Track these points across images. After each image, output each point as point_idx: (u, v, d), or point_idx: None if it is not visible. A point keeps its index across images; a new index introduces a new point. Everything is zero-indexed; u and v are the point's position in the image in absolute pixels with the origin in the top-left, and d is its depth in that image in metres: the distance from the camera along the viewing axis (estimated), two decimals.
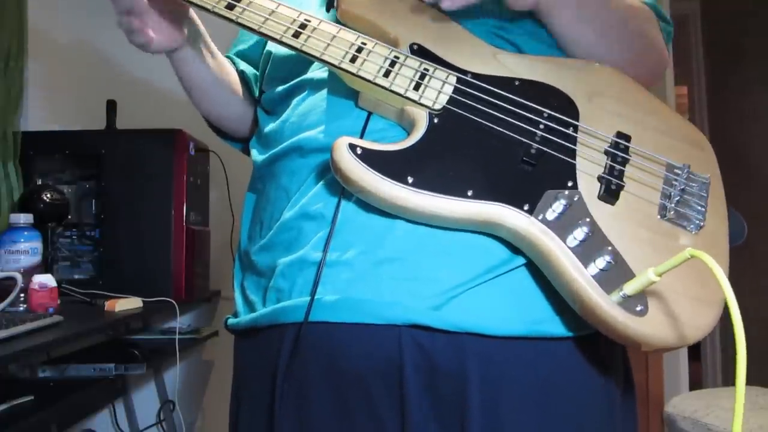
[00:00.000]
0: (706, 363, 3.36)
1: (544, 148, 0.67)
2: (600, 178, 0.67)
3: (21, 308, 1.24)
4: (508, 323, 0.64)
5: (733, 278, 0.55)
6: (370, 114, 0.71)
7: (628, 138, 0.70)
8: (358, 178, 0.64)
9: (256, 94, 0.92)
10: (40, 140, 1.70)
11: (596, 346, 0.67)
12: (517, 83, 0.71)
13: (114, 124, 1.77)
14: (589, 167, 0.67)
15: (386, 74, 0.69)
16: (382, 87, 0.68)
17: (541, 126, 0.68)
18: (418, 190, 0.64)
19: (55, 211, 1.52)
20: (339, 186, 0.67)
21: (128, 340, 1.71)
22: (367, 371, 0.66)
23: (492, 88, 0.69)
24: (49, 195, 1.50)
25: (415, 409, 0.64)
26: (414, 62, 0.70)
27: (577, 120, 0.70)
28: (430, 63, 0.70)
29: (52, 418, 1.21)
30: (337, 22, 0.73)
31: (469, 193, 0.64)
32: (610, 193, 0.66)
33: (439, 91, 0.69)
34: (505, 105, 0.69)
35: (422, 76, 0.69)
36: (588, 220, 0.64)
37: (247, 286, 0.78)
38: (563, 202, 0.64)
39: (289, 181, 0.74)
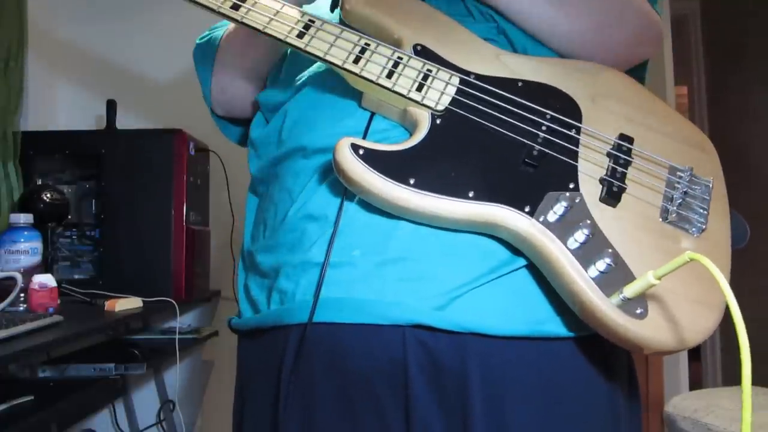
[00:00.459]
0: (706, 363, 3.36)
1: (546, 150, 0.67)
2: (602, 180, 0.67)
3: (21, 308, 1.24)
4: (510, 323, 0.64)
5: (732, 278, 0.55)
6: (373, 114, 0.71)
7: (630, 140, 0.70)
8: (360, 178, 0.64)
9: None
10: (40, 140, 1.70)
11: (599, 346, 0.67)
12: (520, 84, 0.71)
13: (114, 124, 1.77)
14: (591, 169, 0.67)
15: (389, 75, 0.69)
16: (385, 88, 0.68)
17: (544, 127, 0.68)
18: (420, 191, 0.64)
19: (55, 211, 1.52)
20: (342, 187, 0.67)
21: (128, 340, 1.71)
22: (372, 371, 0.66)
23: (495, 89, 0.69)
24: (49, 195, 1.50)
25: (420, 408, 0.64)
26: (417, 63, 0.70)
27: (580, 122, 0.70)
28: (433, 64, 0.71)
29: (52, 418, 1.21)
30: (342, 22, 0.74)
31: (471, 194, 0.64)
32: (612, 195, 0.66)
33: (441, 92, 0.69)
34: (507, 106, 0.69)
35: (425, 77, 0.69)
36: (589, 222, 0.64)
37: (251, 286, 0.78)
38: (564, 204, 0.64)
39: (293, 183, 0.74)
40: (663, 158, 0.70)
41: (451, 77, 0.70)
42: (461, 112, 0.68)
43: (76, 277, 1.64)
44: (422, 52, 0.71)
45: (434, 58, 0.71)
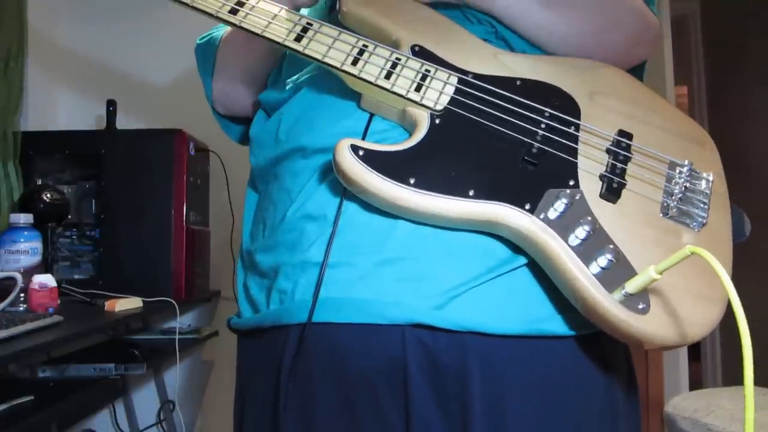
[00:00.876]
0: (706, 363, 3.36)
1: (546, 147, 0.67)
2: (602, 177, 0.67)
3: (21, 308, 1.24)
4: (509, 322, 0.65)
5: (733, 278, 0.55)
6: (372, 115, 0.72)
7: (630, 136, 0.70)
8: (360, 179, 0.64)
9: None
10: (40, 140, 1.70)
11: (598, 345, 0.68)
12: (518, 83, 0.71)
13: (114, 124, 1.77)
14: (590, 166, 0.68)
15: (387, 76, 0.69)
16: (384, 89, 0.69)
17: (543, 125, 0.68)
18: (420, 190, 0.64)
19: (55, 211, 1.52)
20: (341, 187, 0.67)
21: (128, 340, 1.71)
22: (371, 371, 0.66)
23: (493, 88, 0.70)
24: (49, 195, 1.50)
25: (420, 407, 0.65)
26: (415, 64, 0.71)
27: (579, 119, 0.70)
28: (432, 64, 0.71)
29: (52, 418, 1.21)
30: (339, 24, 0.74)
31: (471, 193, 0.64)
32: (612, 191, 0.66)
33: (440, 92, 0.69)
34: (506, 105, 0.69)
35: (423, 78, 0.70)
36: (590, 218, 0.64)
37: (250, 285, 0.78)
38: (564, 201, 0.64)
39: (292, 182, 0.74)
40: (662, 154, 0.70)
41: (449, 77, 0.70)
42: (460, 111, 0.68)
43: (76, 277, 1.64)
44: (420, 53, 0.72)
45: (432, 59, 0.71)
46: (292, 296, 0.70)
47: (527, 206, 0.64)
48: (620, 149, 0.69)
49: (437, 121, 0.68)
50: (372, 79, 0.69)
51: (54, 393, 1.24)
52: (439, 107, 0.68)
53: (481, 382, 0.64)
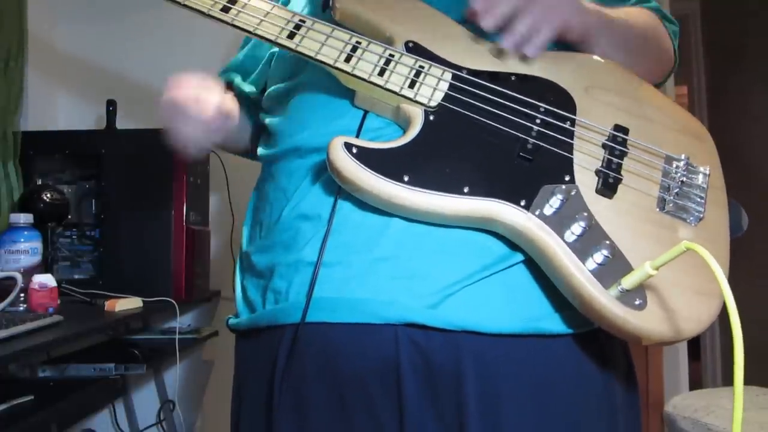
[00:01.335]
0: (706, 363, 3.36)
1: (541, 143, 0.67)
2: (598, 172, 0.67)
3: (21, 308, 1.24)
4: (504, 321, 0.64)
5: (732, 278, 0.55)
6: (366, 113, 0.71)
7: (626, 131, 0.70)
8: (354, 177, 0.64)
9: (252, 120, 0.94)
10: (40, 140, 1.69)
11: (596, 343, 0.67)
12: (513, 78, 0.71)
13: (114, 124, 1.77)
14: (586, 161, 0.67)
15: (381, 73, 0.69)
16: (377, 85, 0.68)
17: (538, 120, 0.68)
18: (414, 187, 0.64)
19: (55, 211, 1.52)
20: (335, 186, 0.67)
21: (128, 340, 1.71)
22: (365, 371, 0.66)
23: (488, 84, 0.69)
24: (49, 195, 1.50)
25: (413, 408, 0.64)
26: (409, 60, 0.70)
27: (575, 113, 0.70)
28: (426, 60, 0.70)
29: (52, 418, 1.21)
30: (332, 22, 0.74)
31: (466, 189, 0.64)
32: (608, 186, 0.66)
33: (434, 88, 0.69)
34: (501, 100, 0.69)
35: (417, 74, 0.69)
36: (585, 214, 0.64)
37: (247, 286, 0.78)
38: (560, 196, 0.64)
39: (288, 182, 0.74)
40: (658, 148, 0.70)
41: (443, 73, 0.70)
42: (454, 107, 0.68)
43: (76, 277, 1.64)
44: (414, 49, 0.71)
45: (426, 55, 0.71)
46: (287, 296, 0.70)
47: (522, 202, 0.64)
48: (616, 144, 0.68)
49: (431, 118, 0.68)
50: (365, 76, 0.69)
51: (54, 393, 1.23)
52: (433, 103, 0.68)
53: (475, 381, 0.64)
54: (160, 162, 1.61)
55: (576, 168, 0.67)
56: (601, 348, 0.68)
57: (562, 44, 0.74)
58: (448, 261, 0.65)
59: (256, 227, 0.80)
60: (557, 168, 0.67)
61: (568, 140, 0.68)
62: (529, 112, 0.69)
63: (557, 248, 0.62)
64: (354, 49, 0.70)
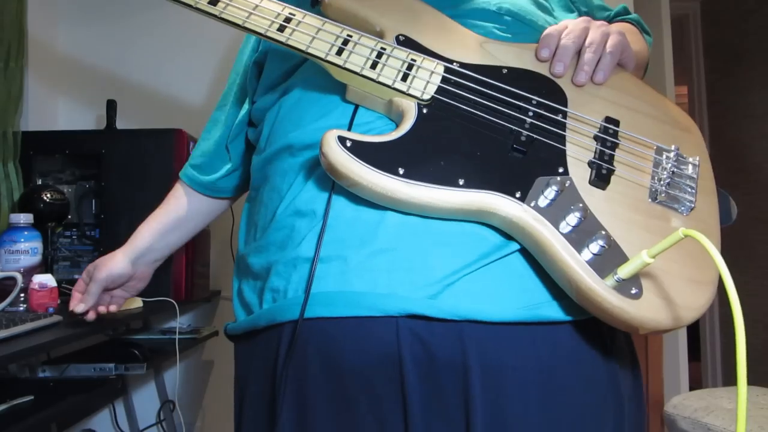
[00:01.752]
0: (706, 363, 3.36)
1: (534, 135, 0.67)
2: (590, 164, 0.67)
3: (21, 308, 1.24)
4: (505, 309, 0.64)
5: (733, 279, 0.55)
6: (357, 107, 0.71)
7: (616, 123, 0.70)
8: (349, 170, 0.63)
9: (220, 194, 1.00)
10: (40, 140, 1.69)
11: (597, 328, 0.67)
12: (504, 71, 0.71)
13: (114, 124, 1.77)
14: (579, 153, 0.68)
15: (373, 66, 0.69)
16: (370, 79, 0.68)
17: (531, 113, 0.68)
18: (409, 180, 0.63)
19: (55, 211, 1.52)
20: (329, 181, 0.67)
21: (128, 340, 1.71)
22: (366, 365, 0.65)
23: (480, 77, 0.69)
24: (49, 195, 1.50)
25: (415, 400, 0.64)
26: (401, 53, 0.70)
27: (566, 106, 0.70)
28: (418, 53, 0.70)
29: (52, 418, 1.21)
30: (322, 16, 0.73)
31: (461, 182, 0.64)
32: (601, 177, 0.66)
33: (427, 81, 0.69)
34: (493, 93, 0.69)
35: (410, 67, 0.69)
36: (581, 205, 0.64)
37: (244, 290, 0.78)
38: (555, 188, 0.64)
39: (281, 181, 0.74)
40: (649, 139, 0.70)
41: (436, 66, 0.70)
42: (447, 100, 0.68)
43: (76, 277, 1.63)
44: (405, 42, 0.71)
45: (417, 48, 0.71)
46: (285, 293, 0.69)
47: (518, 194, 0.64)
48: (608, 136, 0.69)
49: (425, 111, 0.68)
50: (357, 70, 0.68)
51: (54, 393, 1.23)
52: (426, 96, 0.68)
53: (479, 370, 0.63)
54: (160, 162, 1.62)
55: (569, 160, 0.67)
56: (603, 336, 0.68)
57: None
58: (445, 252, 0.65)
59: (251, 230, 0.80)
60: (551, 160, 0.67)
61: (561, 132, 0.68)
62: (521, 104, 0.69)
63: (553, 239, 0.62)
64: (345, 42, 0.70)
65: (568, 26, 0.73)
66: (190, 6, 0.72)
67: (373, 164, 0.63)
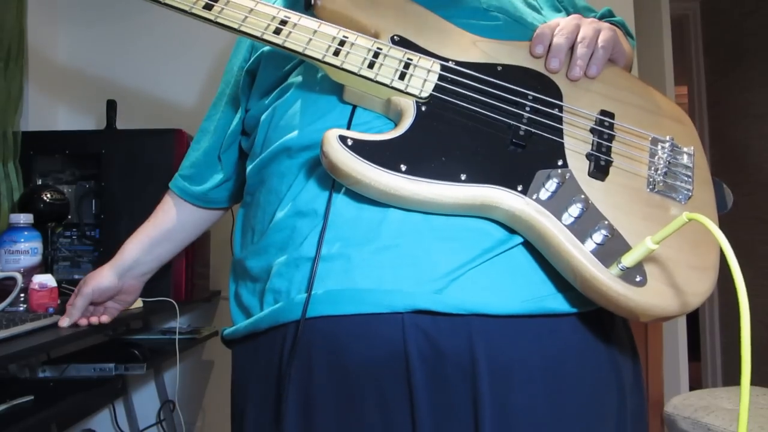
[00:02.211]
0: (706, 363, 3.36)
1: (533, 129, 0.68)
2: (589, 156, 0.68)
3: (21, 308, 1.24)
4: (510, 302, 0.64)
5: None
6: (354, 107, 0.71)
7: (611, 115, 0.71)
8: (351, 169, 0.63)
9: (213, 205, 1.00)
10: (40, 140, 1.70)
11: (600, 320, 0.68)
12: (499, 68, 0.72)
13: (114, 124, 1.77)
14: (577, 145, 0.69)
15: (370, 65, 0.69)
16: (368, 78, 0.68)
17: (527, 108, 0.69)
18: (412, 177, 0.64)
19: (55, 211, 1.52)
20: (329, 180, 0.67)
21: (128, 340, 1.71)
22: (372, 362, 0.65)
23: (476, 74, 0.70)
24: (49, 195, 1.50)
25: (422, 395, 0.64)
26: (397, 52, 0.71)
27: (561, 101, 0.71)
28: (414, 52, 0.71)
29: (52, 418, 1.21)
30: (316, 19, 0.73)
31: (463, 177, 0.64)
32: (600, 169, 0.67)
33: (424, 79, 0.69)
34: (490, 90, 0.70)
35: (407, 66, 0.70)
36: (582, 197, 0.65)
37: (242, 293, 0.78)
38: (556, 180, 0.65)
39: (279, 183, 0.74)
40: (644, 130, 0.71)
41: (432, 64, 0.70)
42: (446, 97, 0.69)
43: (76, 277, 1.64)
44: (400, 42, 0.72)
45: (413, 47, 0.72)
46: (288, 294, 0.69)
47: (519, 188, 0.65)
48: (604, 128, 0.70)
49: (423, 109, 0.68)
50: (355, 70, 0.69)
51: (54, 393, 1.23)
52: (424, 94, 0.68)
53: (487, 365, 0.64)
54: (160, 162, 1.62)
55: (568, 152, 0.68)
56: (605, 327, 0.69)
57: None
58: (449, 247, 0.65)
59: (247, 234, 0.80)
60: (550, 153, 0.68)
61: (558, 126, 0.69)
62: (518, 100, 0.70)
63: (556, 230, 0.63)
64: (342, 43, 0.70)
65: (560, 23, 0.74)
66: (184, 11, 0.72)
67: (375, 162, 0.64)
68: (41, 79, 1.95)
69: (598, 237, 0.62)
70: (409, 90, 0.68)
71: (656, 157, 0.69)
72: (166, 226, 1.00)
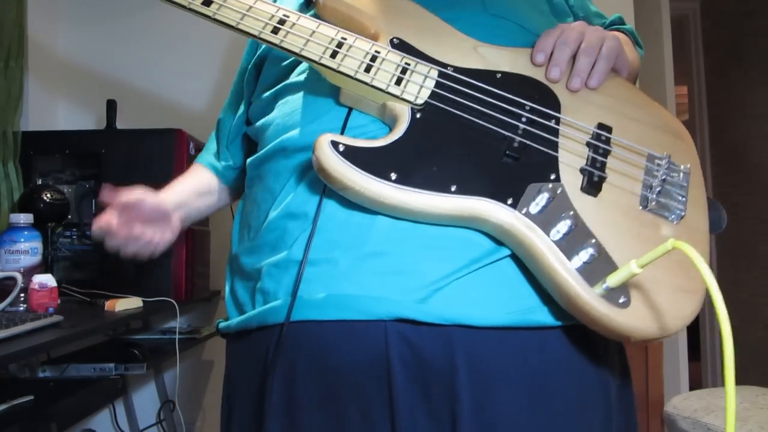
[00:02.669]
0: (706, 363, 3.36)
1: (527, 141, 0.67)
2: (582, 170, 0.67)
3: (21, 308, 1.24)
4: (495, 313, 0.64)
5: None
6: (350, 110, 0.71)
7: (609, 129, 0.70)
8: (341, 175, 0.63)
9: (229, 183, 0.98)
10: (40, 140, 1.69)
11: (588, 334, 0.67)
12: (498, 76, 0.71)
13: (114, 124, 1.77)
14: (571, 159, 0.68)
15: (367, 69, 0.68)
16: (363, 82, 0.68)
17: (524, 119, 0.68)
18: (402, 186, 0.63)
19: (55, 211, 1.52)
20: (321, 184, 0.67)
21: (128, 340, 1.71)
22: (355, 367, 0.66)
23: (474, 82, 0.69)
24: (49, 195, 1.50)
25: (404, 403, 0.64)
26: (395, 57, 0.70)
27: (559, 112, 0.70)
28: (412, 57, 0.70)
29: (52, 418, 1.21)
30: (317, 18, 0.73)
31: (453, 188, 0.64)
32: (593, 185, 0.66)
33: (420, 85, 0.69)
34: (487, 98, 0.69)
35: (404, 71, 0.69)
36: (571, 213, 0.64)
37: (237, 289, 0.78)
38: (546, 195, 0.64)
39: (274, 182, 0.74)
40: (641, 146, 0.70)
41: (429, 70, 0.70)
42: (441, 105, 0.68)
43: (76, 277, 1.64)
44: (399, 46, 0.71)
45: (412, 52, 0.71)
46: (275, 295, 0.70)
47: (509, 201, 0.64)
48: (600, 142, 0.69)
49: (418, 116, 0.67)
50: (351, 73, 0.68)
51: (54, 393, 1.23)
52: (419, 101, 0.68)
53: (467, 374, 0.64)
54: (160, 162, 1.62)
55: (561, 166, 0.67)
56: (594, 341, 0.68)
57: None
58: (436, 256, 0.65)
59: (244, 230, 0.80)
60: (543, 166, 0.67)
61: (554, 138, 0.68)
62: (514, 110, 0.69)
63: (543, 246, 0.62)
64: (339, 44, 0.69)
65: (563, 30, 0.73)
66: (183, 7, 0.72)
67: (365, 169, 0.63)
68: (41, 79, 1.95)
69: (584, 255, 0.62)
70: (405, 96, 0.68)
71: (651, 175, 0.68)
72: (203, 183, 0.97)
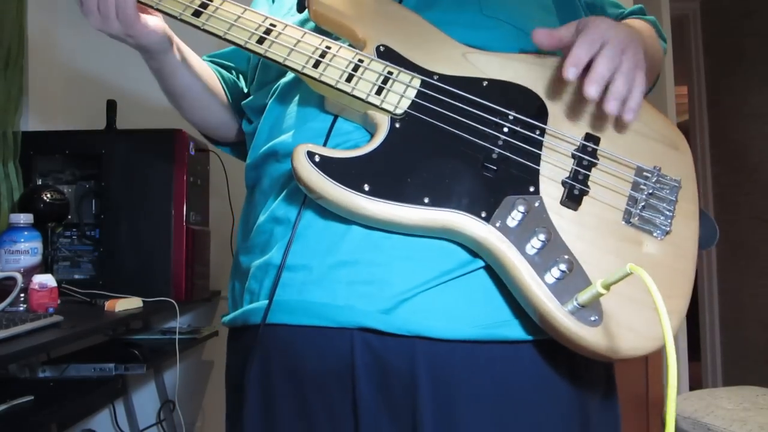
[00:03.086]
0: (706, 363, 3.36)
1: (507, 153, 0.66)
2: (564, 183, 0.66)
3: (21, 308, 1.24)
4: (460, 327, 0.64)
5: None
6: (336, 117, 0.71)
7: (596, 140, 0.68)
8: (315, 185, 0.64)
9: (231, 100, 0.94)
10: (40, 140, 1.69)
11: (564, 349, 0.65)
12: (485, 84, 0.70)
13: (114, 124, 1.77)
14: (553, 172, 0.66)
15: (349, 79, 0.68)
16: (344, 92, 0.68)
17: (506, 129, 0.67)
18: (374, 198, 0.63)
19: (55, 211, 1.52)
20: (303, 191, 0.67)
21: (128, 340, 1.71)
22: (323, 373, 0.67)
23: (457, 91, 0.68)
24: (49, 195, 1.50)
25: (367, 409, 0.65)
26: (378, 66, 0.69)
27: (546, 121, 0.68)
28: (395, 66, 0.70)
29: (52, 418, 1.21)
30: (307, 24, 0.74)
31: (426, 200, 0.64)
32: (573, 198, 0.65)
33: (401, 95, 0.68)
34: (469, 108, 0.68)
35: (385, 80, 0.69)
36: (545, 227, 0.63)
37: (236, 286, 0.80)
38: (522, 208, 0.63)
39: (268, 185, 0.76)
40: (630, 159, 0.68)
41: (411, 79, 0.69)
42: (421, 115, 0.67)
43: (76, 277, 1.64)
44: (385, 53, 0.71)
45: (397, 59, 0.70)
46: (258, 297, 0.71)
47: (483, 214, 0.63)
48: (585, 154, 0.67)
49: (397, 125, 0.67)
50: (332, 83, 0.68)
51: (54, 393, 1.23)
52: (399, 111, 0.67)
53: (430, 385, 0.64)
54: (160, 162, 1.62)
55: (542, 179, 0.66)
56: (570, 356, 0.66)
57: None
58: (407, 266, 0.65)
59: (244, 229, 0.83)
60: (522, 178, 0.66)
61: (536, 151, 0.67)
62: (497, 120, 0.67)
63: (516, 261, 0.62)
64: (323, 54, 0.69)
65: (588, 35, 0.64)
66: (174, 16, 0.75)
67: (339, 180, 0.64)
68: (41, 79, 1.95)
69: (556, 272, 0.61)
70: (384, 106, 0.67)
71: (638, 188, 0.67)
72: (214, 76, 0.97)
